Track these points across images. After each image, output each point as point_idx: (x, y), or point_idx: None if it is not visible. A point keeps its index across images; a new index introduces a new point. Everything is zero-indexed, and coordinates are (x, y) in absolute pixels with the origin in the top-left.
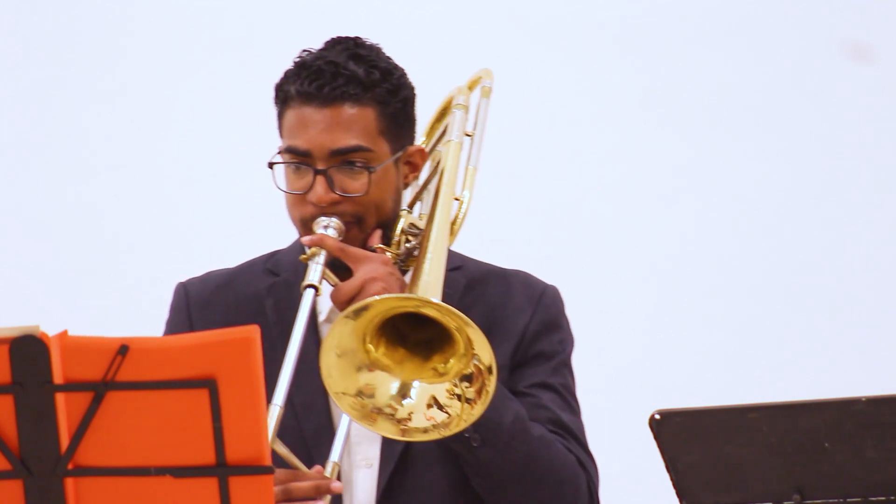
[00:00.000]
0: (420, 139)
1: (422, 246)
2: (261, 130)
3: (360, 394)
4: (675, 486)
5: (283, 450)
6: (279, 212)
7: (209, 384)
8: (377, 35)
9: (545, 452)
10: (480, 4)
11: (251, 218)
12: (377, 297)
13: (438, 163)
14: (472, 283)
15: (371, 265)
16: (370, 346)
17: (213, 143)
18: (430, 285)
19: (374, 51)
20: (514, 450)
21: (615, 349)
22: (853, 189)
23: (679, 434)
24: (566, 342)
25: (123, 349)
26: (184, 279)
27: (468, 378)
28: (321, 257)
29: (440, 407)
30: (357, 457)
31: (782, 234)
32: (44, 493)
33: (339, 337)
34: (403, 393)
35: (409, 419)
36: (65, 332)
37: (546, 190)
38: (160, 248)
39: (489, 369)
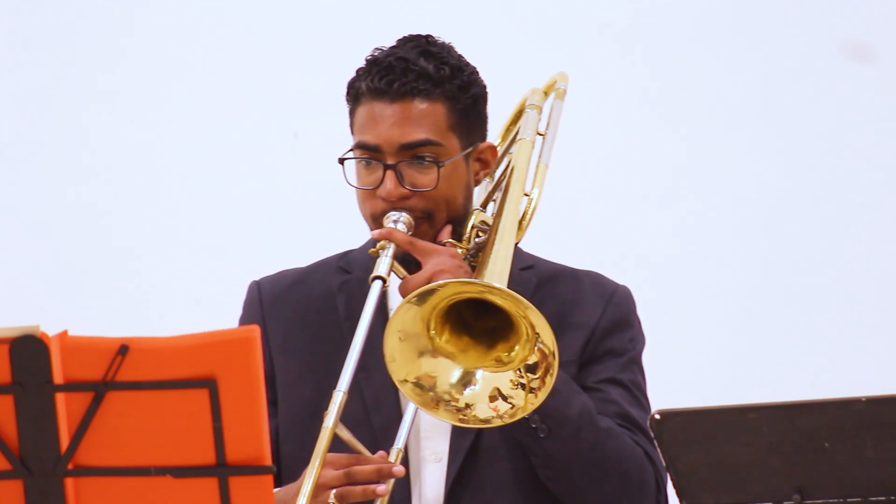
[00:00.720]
0: (496, 141)
1: (489, 238)
2: (261, 130)
3: (419, 382)
4: (675, 486)
5: (346, 434)
6: (280, 212)
7: (209, 384)
8: (372, 31)
9: (612, 444)
10: (480, 4)
11: (252, 218)
12: (442, 282)
13: (509, 161)
14: (543, 282)
15: (439, 258)
16: (434, 333)
17: (213, 143)
18: (495, 273)
19: (445, 48)
20: (580, 441)
21: None
22: (853, 189)
23: (679, 434)
24: (637, 340)
25: (123, 349)
26: (258, 277)
27: (532, 368)
28: (389, 250)
29: (504, 398)
30: (426, 451)
31: (782, 234)
32: (44, 493)
33: (403, 321)
34: (465, 382)
35: (470, 408)
36: (65, 332)
37: (546, 189)
38: (160, 248)
39: (553, 354)
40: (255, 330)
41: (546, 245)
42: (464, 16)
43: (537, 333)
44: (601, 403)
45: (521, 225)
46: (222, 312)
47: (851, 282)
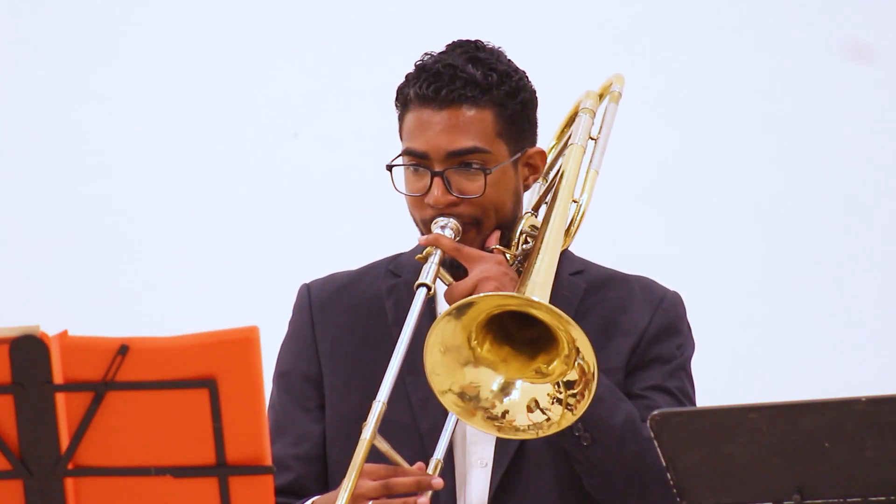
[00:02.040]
0: (550, 143)
1: (535, 245)
2: (261, 130)
3: (463, 391)
4: (675, 486)
5: (384, 446)
6: (280, 212)
7: (209, 384)
8: (373, 30)
9: (656, 454)
10: (480, 4)
11: (252, 218)
12: (480, 295)
13: (561, 165)
14: (593, 288)
15: (486, 265)
16: (475, 343)
17: (213, 143)
18: (537, 285)
19: (495, 54)
20: (624, 450)
21: None
22: (853, 189)
23: (679, 434)
24: (685, 347)
25: (123, 349)
26: (308, 280)
27: (570, 384)
28: (436, 257)
29: (541, 410)
30: (472, 456)
31: (782, 234)
32: (44, 493)
33: (443, 334)
34: (505, 391)
35: (506, 417)
36: (65, 332)
37: None
38: (160, 248)
39: (592, 374)
40: (255, 330)
41: None
42: (462, 15)
43: (578, 349)
44: (646, 411)
45: (569, 231)
46: (223, 312)
47: (851, 282)
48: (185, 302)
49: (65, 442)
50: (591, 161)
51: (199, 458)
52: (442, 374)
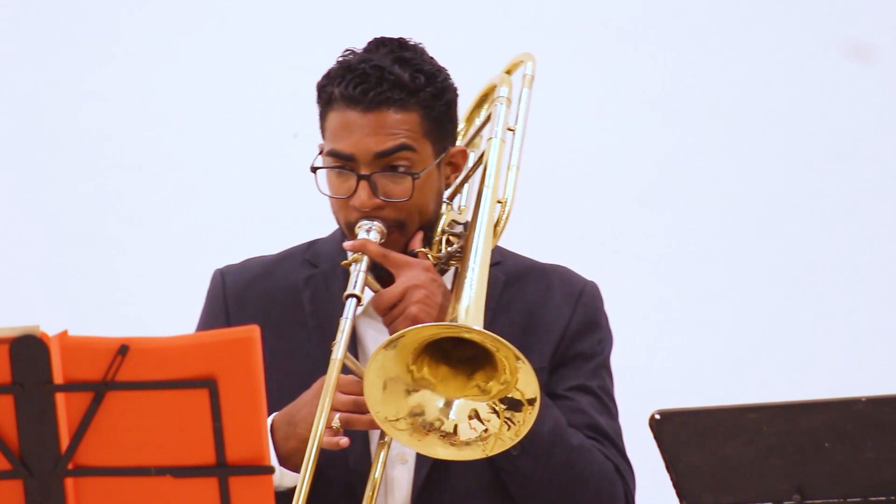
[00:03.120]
0: (460, 127)
1: (464, 256)
2: (262, 130)
3: (411, 415)
4: (675, 486)
5: (354, 365)
6: (281, 212)
7: (209, 384)
8: (374, 30)
9: (583, 461)
10: (480, 4)
11: (252, 218)
12: (414, 328)
13: (482, 156)
14: (511, 280)
15: (413, 272)
16: (413, 367)
17: (213, 143)
18: (470, 311)
19: (418, 52)
20: (552, 459)
21: (616, 349)
22: (854, 189)
23: (679, 434)
24: (605, 342)
25: (123, 349)
26: (222, 266)
27: (509, 401)
28: (363, 263)
29: (480, 420)
30: (393, 452)
31: (782, 234)
32: (44, 493)
33: (381, 368)
34: (449, 407)
35: (456, 433)
36: (65, 332)
37: (546, 189)
38: (160, 248)
39: (530, 401)
40: (255, 330)
41: (546, 244)
42: (462, 15)
43: (517, 376)
44: (571, 413)
45: (496, 231)
46: None
47: (851, 282)
48: (186, 302)
49: (65, 442)
50: (510, 155)
51: (199, 458)
52: (387, 406)
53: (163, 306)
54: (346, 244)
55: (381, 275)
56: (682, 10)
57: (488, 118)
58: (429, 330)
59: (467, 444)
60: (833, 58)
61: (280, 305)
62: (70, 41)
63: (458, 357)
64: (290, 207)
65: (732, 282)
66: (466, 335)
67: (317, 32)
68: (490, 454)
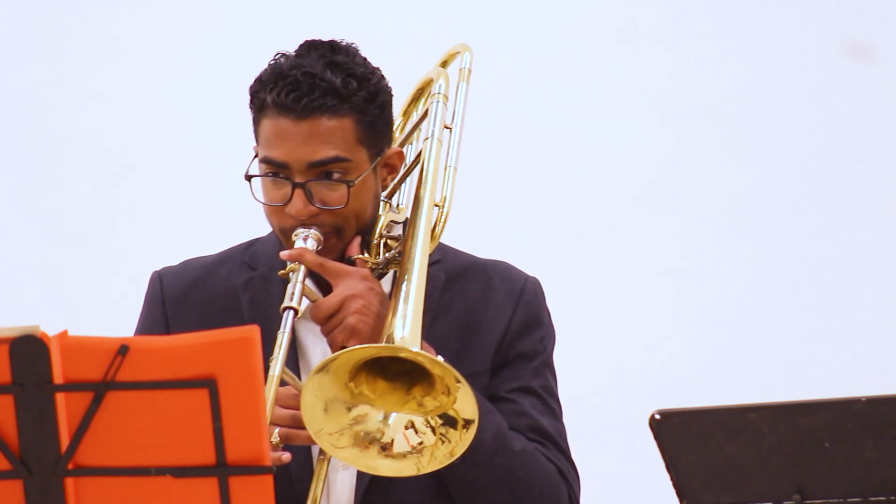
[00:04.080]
0: (397, 121)
1: (401, 265)
2: None
3: (352, 425)
4: (675, 486)
5: (291, 380)
6: None
7: (209, 384)
8: (374, 30)
9: (526, 467)
10: (481, 5)
11: (253, 218)
12: (347, 350)
13: (420, 154)
14: (452, 279)
15: (350, 281)
16: (352, 384)
17: (214, 143)
18: (406, 329)
19: (351, 55)
20: (495, 466)
21: (615, 349)
22: (854, 189)
23: (679, 434)
24: (547, 339)
25: (123, 349)
26: (159, 268)
27: (445, 417)
28: (300, 274)
29: (416, 431)
30: (335, 458)
31: (782, 234)
32: (44, 493)
33: (318, 390)
34: (387, 420)
35: (392, 445)
36: (65, 332)
37: (547, 189)
38: (161, 248)
39: (466, 422)
40: (255, 330)
41: (546, 244)
42: (463, 16)
43: (455, 395)
44: (513, 416)
45: (434, 235)
46: None
47: (851, 282)
48: None
49: (65, 442)
50: (447, 154)
51: (199, 458)
52: (330, 423)
53: None
54: (283, 254)
55: (321, 280)
56: (682, 10)
57: (425, 114)
58: (363, 352)
59: (403, 456)
60: (833, 58)
61: (219, 310)
62: (70, 41)
63: (397, 371)
64: None
65: (732, 282)
66: (401, 355)
67: (317, 32)
68: (423, 471)
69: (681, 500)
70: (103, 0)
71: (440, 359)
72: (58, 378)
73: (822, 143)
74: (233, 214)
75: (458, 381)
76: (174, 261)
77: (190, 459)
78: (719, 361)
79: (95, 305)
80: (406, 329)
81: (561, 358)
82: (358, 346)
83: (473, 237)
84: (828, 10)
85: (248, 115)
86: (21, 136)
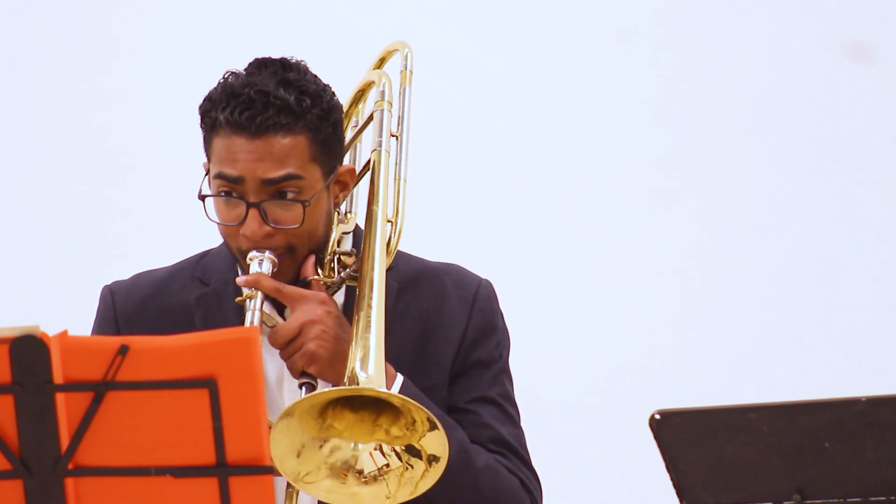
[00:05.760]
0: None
1: (359, 291)
2: None
3: (327, 459)
4: (675, 486)
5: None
6: None
7: (209, 384)
8: (369, 33)
9: (489, 482)
10: (481, 5)
11: None
12: (307, 397)
13: (368, 163)
14: (404, 286)
15: (308, 305)
16: (319, 420)
17: None
18: (372, 369)
19: (302, 72)
20: (459, 484)
21: (616, 349)
22: (854, 189)
23: (679, 434)
24: (503, 344)
25: (123, 349)
26: (110, 282)
27: (410, 448)
28: (258, 301)
29: (383, 453)
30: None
31: (781, 235)
32: (44, 493)
33: (287, 433)
34: (357, 447)
35: (363, 469)
36: (65, 332)
37: (547, 189)
38: (161, 248)
39: (432, 458)
40: (255, 330)
41: (547, 244)
42: (463, 16)
43: (423, 429)
44: (474, 428)
45: (389, 250)
46: None
47: (851, 282)
48: None
49: (65, 442)
50: (397, 164)
51: (199, 458)
52: (305, 464)
53: None
54: (239, 280)
55: (278, 306)
56: (682, 10)
57: (369, 119)
58: (326, 395)
59: (376, 479)
60: (833, 58)
61: (172, 326)
62: (69, 42)
63: (363, 401)
64: None
65: (732, 282)
66: (366, 395)
67: (317, 33)
68: (393, 500)
69: (681, 500)
70: (103, 1)
71: (399, 381)
72: (58, 378)
73: (822, 143)
74: None
75: (430, 421)
76: (174, 261)
77: (190, 459)
78: (719, 361)
79: (95, 305)
80: (369, 366)
81: (561, 358)
82: (322, 391)
83: (473, 238)
84: (828, 10)
85: None
86: (21, 135)
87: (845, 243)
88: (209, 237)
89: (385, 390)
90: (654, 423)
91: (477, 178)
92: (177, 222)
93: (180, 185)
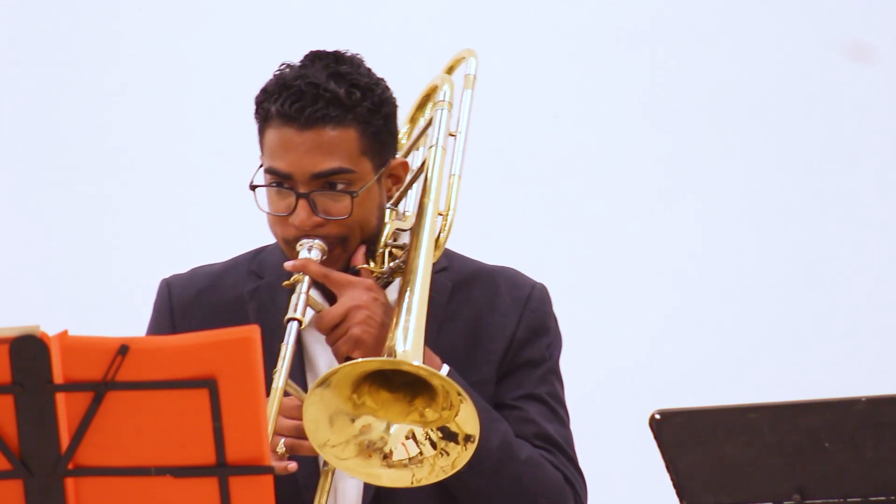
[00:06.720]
0: (403, 128)
1: (404, 276)
2: None
3: (357, 435)
4: (675, 486)
5: (295, 392)
6: None
7: (209, 384)
8: (371, 33)
9: (532, 475)
10: (482, 6)
11: (255, 218)
12: (349, 364)
13: (423, 164)
14: (458, 286)
15: (354, 291)
16: (355, 396)
17: (215, 143)
18: (408, 341)
19: (355, 65)
20: (501, 474)
21: (615, 349)
22: (854, 189)
23: (679, 434)
24: (553, 346)
25: (123, 349)
26: (168, 276)
27: (445, 431)
28: (304, 284)
29: (416, 442)
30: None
31: (781, 235)
32: (44, 493)
33: (321, 404)
34: (389, 430)
35: (392, 454)
36: (65, 332)
37: (547, 189)
38: (161, 248)
39: (467, 438)
40: (255, 330)
41: (547, 244)
42: (464, 17)
43: (458, 408)
44: (519, 423)
45: (438, 243)
46: None
47: (851, 282)
48: None
49: (65, 442)
50: (452, 162)
51: (199, 458)
52: (336, 435)
53: None
54: (287, 264)
55: (326, 290)
56: (682, 10)
57: (430, 121)
58: (363, 366)
59: (404, 465)
60: (833, 58)
61: (226, 318)
62: (71, 43)
63: (399, 382)
64: None
65: (732, 282)
66: (403, 369)
67: (317, 33)
68: (418, 483)
69: (681, 500)
70: (103, 1)
71: (445, 370)
72: (58, 378)
73: (822, 143)
74: (234, 215)
75: (460, 395)
76: (173, 261)
77: (190, 459)
78: (719, 361)
79: (95, 305)
80: (408, 342)
81: (562, 358)
82: (358, 360)
83: (471, 239)
84: (828, 10)
85: (249, 115)
86: (21, 135)
87: (845, 243)
88: (209, 237)
89: (422, 364)
90: (654, 423)
91: (475, 178)
92: (178, 222)
93: (180, 185)
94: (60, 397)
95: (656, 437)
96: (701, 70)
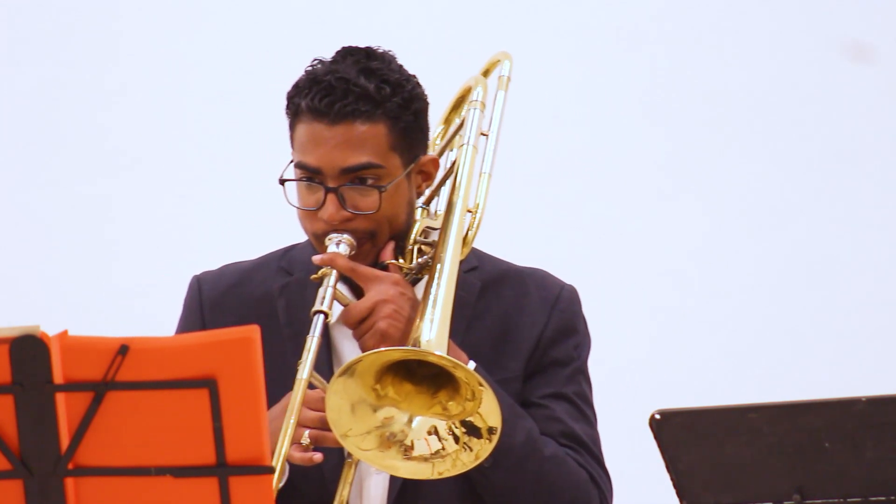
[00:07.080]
0: (437, 129)
1: (431, 270)
2: (264, 131)
3: (378, 427)
4: (675, 486)
5: (320, 383)
6: (283, 212)
7: (209, 384)
8: (371, 33)
9: (557, 472)
10: (482, 6)
11: (254, 218)
12: (368, 354)
13: (454, 163)
14: (487, 286)
15: (382, 286)
16: (378, 386)
17: (215, 143)
18: (433, 332)
19: (386, 61)
20: (525, 470)
21: (615, 349)
22: (854, 189)
23: (679, 434)
24: (582, 347)
25: (123, 349)
26: (199, 272)
27: (469, 426)
28: (332, 279)
29: (438, 437)
30: (364, 463)
31: (782, 234)
32: (44, 493)
33: (343, 393)
34: (411, 423)
35: (413, 447)
36: (65, 332)
37: (548, 189)
38: (161, 248)
39: (490, 430)
40: (255, 330)
41: (547, 244)
42: (464, 17)
43: (480, 402)
44: (545, 421)
45: (466, 240)
46: None
47: (851, 282)
48: None
49: (65, 442)
50: (483, 160)
51: (199, 458)
52: (358, 424)
53: (163, 306)
54: (315, 258)
55: (355, 285)
56: (682, 10)
57: (463, 122)
58: (387, 355)
59: (424, 459)
60: (833, 58)
61: (255, 314)
62: (72, 43)
63: (423, 374)
64: (291, 210)
65: (732, 281)
66: (426, 358)
67: (317, 33)
68: (440, 476)
69: (681, 500)
70: (103, 4)
71: (472, 365)
72: (58, 378)
73: (822, 143)
74: (234, 215)
75: (482, 385)
76: (174, 261)
77: (190, 459)
78: (719, 361)
79: (95, 305)
80: (432, 332)
81: None
82: (382, 349)
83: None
84: (828, 10)
85: (248, 115)
86: (21, 135)
87: (845, 243)
88: (209, 237)
89: (443, 353)
90: (654, 423)
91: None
92: (177, 222)
93: (180, 186)
94: (60, 397)
95: (656, 437)
96: (701, 70)
